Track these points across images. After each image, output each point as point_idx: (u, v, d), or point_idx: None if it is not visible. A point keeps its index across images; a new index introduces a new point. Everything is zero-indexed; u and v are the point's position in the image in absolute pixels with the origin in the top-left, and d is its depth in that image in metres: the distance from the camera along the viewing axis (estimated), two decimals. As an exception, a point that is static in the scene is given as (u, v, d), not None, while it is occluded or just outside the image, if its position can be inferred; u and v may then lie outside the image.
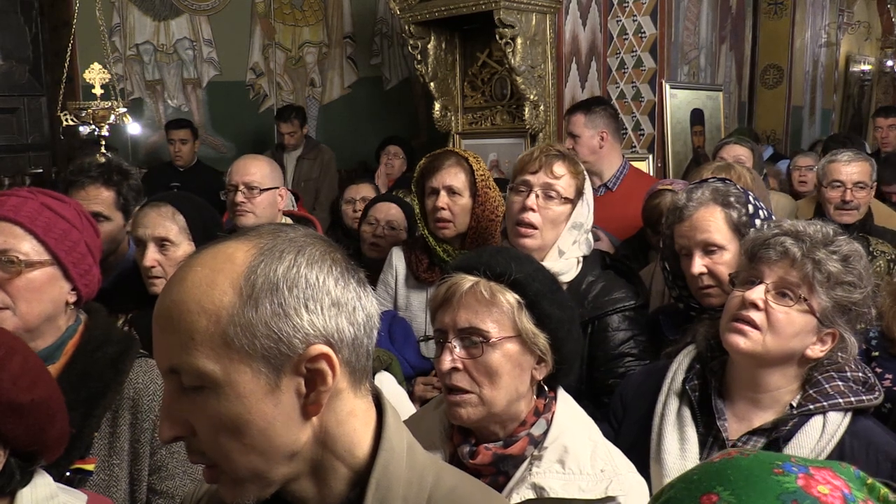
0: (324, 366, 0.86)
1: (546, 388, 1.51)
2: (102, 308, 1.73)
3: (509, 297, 1.42)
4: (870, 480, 0.74)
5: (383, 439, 0.92)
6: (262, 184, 2.82)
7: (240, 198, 2.80)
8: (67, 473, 1.49)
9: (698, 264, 1.93)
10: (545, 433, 1.46)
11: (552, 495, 1.38)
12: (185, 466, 1.59)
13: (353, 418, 0.92)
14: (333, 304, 0.87)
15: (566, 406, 1.52)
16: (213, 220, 2.36)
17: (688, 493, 0.75)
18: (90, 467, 1.53)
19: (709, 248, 1.94)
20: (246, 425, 0.85)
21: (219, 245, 0.89)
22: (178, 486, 1.58)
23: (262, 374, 0.84)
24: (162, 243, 2.19)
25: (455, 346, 1.42)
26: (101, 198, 2.56)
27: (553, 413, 1.48)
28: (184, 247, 2.20)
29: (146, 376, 1.61)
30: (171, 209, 2.22)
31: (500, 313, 1.41)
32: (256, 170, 2.86)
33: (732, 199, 1.96)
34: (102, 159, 3.25)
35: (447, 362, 1.41)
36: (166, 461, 1.58)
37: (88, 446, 1.54)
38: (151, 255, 2.18)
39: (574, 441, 1.44)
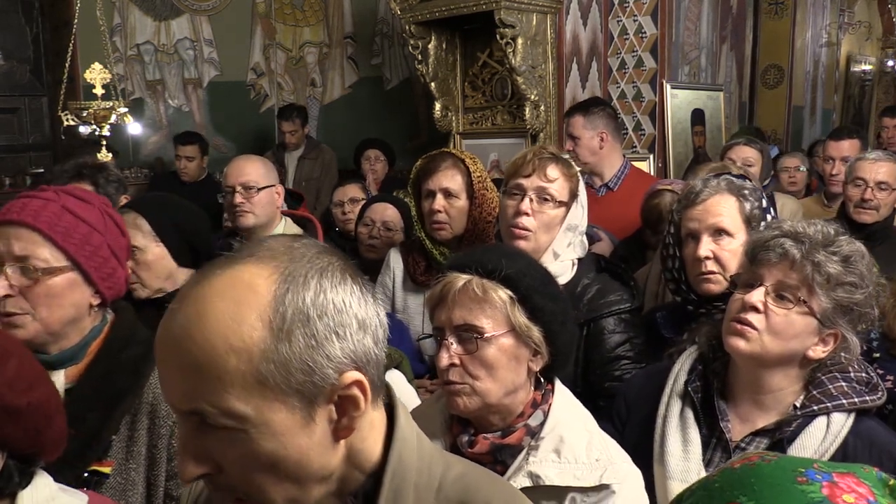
0: (356, 392, 0.84)
1: (543, 380, 1.54)
2: (130, 307, 1.72)
3: (501, 293, 1.45)
4: (892, 482, 0.73)
5: (396, 429, 0.93)
6: (258, 182, 2.82)
7: (238, 199, 2.80)
8: (85, 474, 1.50)
9: (705, 247, 1.95)
10: (542, 424, 1.49)
11: (548, 483, 1.41)
12: None
13: (373, 430, 0.92)
14: (360, 327, 0.85)
15: (563, 398, 1.55)
16: (189, 216, 2.33)
17: (709, 500, 0.74)
18: (107, 470, 1.53)
19: (718, 233, 1.97)
20: (281, 461, 0.82)
21: (232, 271, 0.83)
22: None
23: (297, 408, 0.81)
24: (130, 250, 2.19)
25: (452, 343, 1.46)
26: None
27: (550, 404, 1.52)
28: (152, 249, 2.20)
29: None
30: (133, 215, 2.21)
31: (493, 309, 1.44)
32: (252, 169, 2.86)
33: (747, 192, 2.01)
34: (106, 158, 3.25)
35: (445, 359, 1.45)
36: None
37: (106, 449, 1.54)
38: None
39: (570, 431, 1.47)
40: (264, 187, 2.83)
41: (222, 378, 0.79)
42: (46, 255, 1.52)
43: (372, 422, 0.92)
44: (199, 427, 0.82)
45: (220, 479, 0.84)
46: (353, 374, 0.84)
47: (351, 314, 0.84)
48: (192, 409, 0.81)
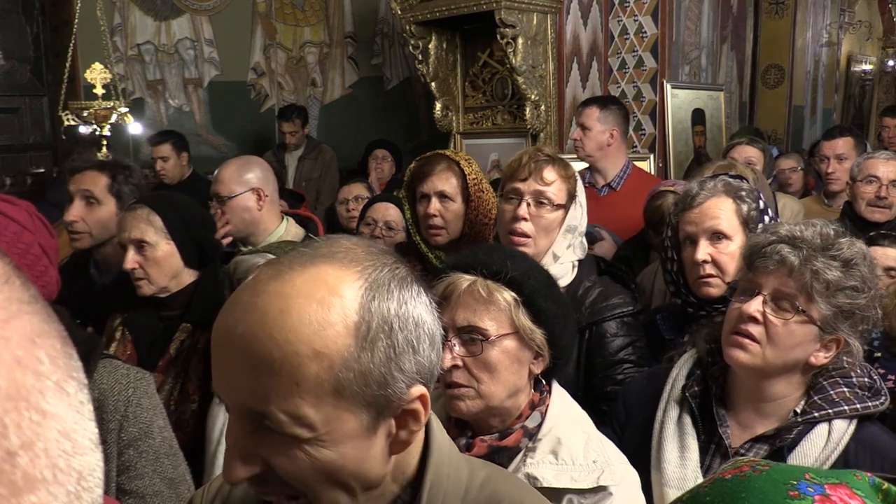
0: (419, 406, 0.84)
1: (542, 381, 1.53)
2: (65, 310, 1.70)
3: (506, 295, 1.44)
4: (885, 486, 0.72)
5: (433, 441, 0.93)
6: (232, 191, 2.73)
7: (212, 209, 2.73)
8: None
9: (703, 251, 1.94)
10: (539, 425, 1.48)
11: (545, 485, 1.40)
12: (154, 465, 1.60)
13: (416, 444, 0.91)
14: (431, 341, 0.84)
15: (560, 399, 1.54)
16: (198, 217, 2.34)
17: None
18: None
19: (715, 237, 1.95)
20: (337, 471, 0.80)
21: (314, 270, 0.80)
22: (148, 485, 1.59)
23: (364, 420, 0.80)
24: (140, 245, 2.18)
25: (455, 345, 1.44)
26: (95, 180, 2.62)
27: (547, 406, 1.51)
28: (162, 246, 2.19)
29: (110, 377, 1.61)
30: (147, 210, 2.21)
31: (497, 311, 1.43)
32: (225, 176, 2.77)
33: (744, 193, 1.99)
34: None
35: (447, 360, 1.43)
36: (134, 461, 1.59)
37: None
38: (131, 258, 2.18)
39: (567, 433, 1.46)
40: (233, 196, 2.73)
41: (300, 384, 0.76)
42: None
43: (419, 437, 0.91)
44: (257, 428, 0.79)
45: (267, 476, 0.81)
46: (420, 389, 0.83)
47: (425, 329, 0.84)
48: (256, 411, 0.78)
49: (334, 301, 0.78)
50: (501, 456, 1.46)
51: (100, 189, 2.61)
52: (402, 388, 0.81)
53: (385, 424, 0.83)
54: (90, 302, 2.49)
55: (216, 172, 2.85)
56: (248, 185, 2.77)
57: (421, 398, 0.83)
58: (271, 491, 0.84)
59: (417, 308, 0.83)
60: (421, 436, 0.93)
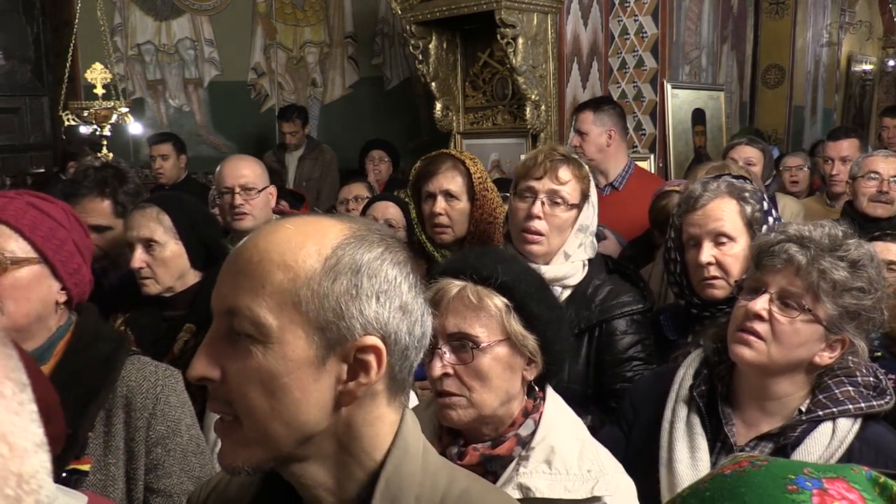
0: (372, 358, 0.87)
1: (536, 388, 1.50)
2: (94, 308, 1.71)
3: (497, 301, 1.41)
4: (882, 479, 0.73)
5: (398, 438, 0.92)
6: (257, 184, 2.81)
7: (238, 200, 2.77)
8: (64, 474, 1.48)
9: (707, 253, 1.93)
10: (533, 433, 1.45)
11: (538, 495, 1.37)
12: (181, 464, 1.59)
13: (379, 423, 0.92)
14: (401, 308, 0.89)
15: (554, 406, 1.51)
16: (205, 218, 2.34)
17: None
18: (86, 467, 1.52)
19: (719, 238, 1.94)
20: (282, 389, 0.85)
21: (313, 216, 0.94)
22: (176, 483, 1.58)
23: (315, 344, 0.86)
24: (148, 244, 2.18)
25: (445, 352, 1.41)
26: (98, 209, 2.58)
27: (541, 413, 1.48)
28: (170, 246, 2.19)
29: (139, 374, 1.60)
30: (156, 210, 2.21)
31: (488, 317, 1.40)
32: (249, 171, 2.84)
33: (747, 194, 1.98)
34: (97, 162, 3.25)
35: (437, 368, 1.41)
36: (162, 459, 1.58)
37: (83, 446, 1.53)
38: (139, 257, 2.18)
39: (561, 441, 1.44)
40: (262, 189, 2.83)
41: (265, 285, 0.86)
42: (13, 246, 1.52)
43: (382, 416, 0.92)
44: (227, 333, 0.88)
45: (220, 390, 0.88)
46: (375, 340, 0.87)
47: (397, 292, 0.89)
48: (229, 308, 0.87)
49: (316, 234, 0.89)
50: (494, 464, 1.43)
51: (105, 217, 2.59)
52: (357, 328, 0.86)
53: (335, 364, 0.87)
54: (96, 302, 2.49)
55: (230, 165, 2.89)
56: (268, 182, 2.90)
57: (375, 350, 0.87)
58: (216, 408, 0.90)
59: (394, 272, 0.89)
60: (391, 426, 0.93)
